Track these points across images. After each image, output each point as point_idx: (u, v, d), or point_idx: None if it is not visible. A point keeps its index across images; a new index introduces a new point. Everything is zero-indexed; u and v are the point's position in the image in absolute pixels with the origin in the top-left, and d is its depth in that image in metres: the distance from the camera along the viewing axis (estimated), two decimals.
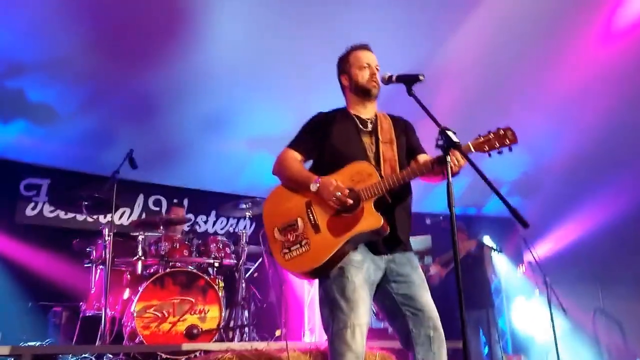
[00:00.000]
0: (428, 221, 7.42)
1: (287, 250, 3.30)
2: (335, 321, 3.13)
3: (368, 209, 3.21)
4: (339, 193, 3.19)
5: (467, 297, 2.75)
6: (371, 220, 3.19)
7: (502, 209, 9.56)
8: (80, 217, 7.96)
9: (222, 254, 6.34)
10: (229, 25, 6.90)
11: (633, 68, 8.20)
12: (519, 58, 7.92)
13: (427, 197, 8.28)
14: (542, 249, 10.09)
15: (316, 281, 3.37)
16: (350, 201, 3.19)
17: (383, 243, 3.30)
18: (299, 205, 3.36)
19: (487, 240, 8.24)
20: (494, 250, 7.99)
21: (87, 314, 6.07)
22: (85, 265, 6.31)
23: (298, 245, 3.27)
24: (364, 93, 3.55)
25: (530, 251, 8.05)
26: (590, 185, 10.06)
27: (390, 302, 3.32)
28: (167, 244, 6.06)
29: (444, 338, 3.22)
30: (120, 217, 8.24)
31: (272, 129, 6.96)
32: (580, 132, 9.29)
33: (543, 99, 8.51)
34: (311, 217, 3.30)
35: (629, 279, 10.30)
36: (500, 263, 8.75)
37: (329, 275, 3.23)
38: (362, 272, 3.22)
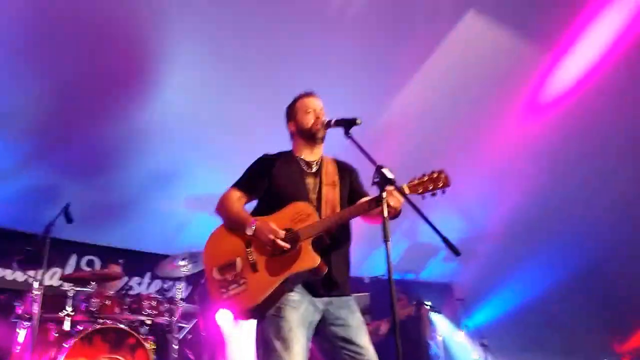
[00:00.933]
0: (367, 280, 7.43)
1: (224, 290, 3.31)
2: None
3: (306, 249, 3.23)
4: (273, 237, 3.23)
5: None
6: (308, 260, 3.20)
7: (439, 275, 9.73)
8: (9, 276, 7.63)
9: (156, 312, 6.15)
10: (172, 87, 6.93)
11: (558, 140, 8.54)
12: (450, 129, 8.15)
13: (365, 261, 8.32)
14: (481, 315, 10.18)
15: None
16: (287, 246, 3.22)
17: (321, 285, 3.31)
18: (238, 245, 3.39)
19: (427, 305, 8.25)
20: (432, 309, 8.02)
21: None
22: (12, 320, 6.03)
23: (236, 285, 3.29)
24: (310, 137, 3.65)
25: (468, 314, 8.12)
26: (525, 252, 10.29)
27: (328, 344, 3.32)
28: (98, 300, 5.85)
29: None
30: (52, 277, 7.95)
31: (211, 190, 6.94)
32: (513, 200, 9.55)
33: (476, 168, 8.71)
34: (249, 257, 3.32)
35: (564, 347, 10.46)
36: (439, 325, 8.76)
37: (266, 315, 3.23)
38: (299, 312, 3.22)
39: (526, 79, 7.97)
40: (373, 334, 7.06)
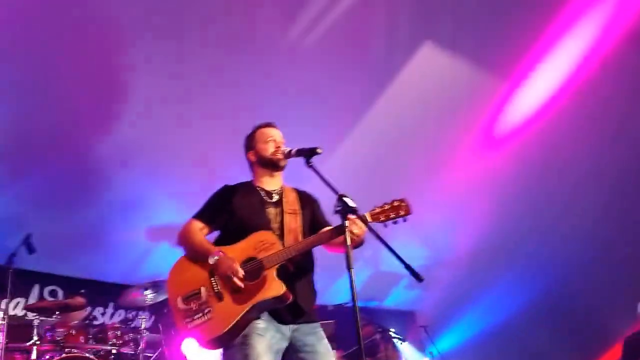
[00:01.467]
0: (331, 307, 7.45)
1: (189, 319, 3.30)
2: None
3: (270, 277, 3.27)
4: (231, 274, 3.26)
5: None
6: (273, 288, 3.24)
7: (403, 302, 9.73)
8: None
9: (121, 342, 6.14)
10: (132, 117, 6.93)
11: (517, 169, 8.71)
12: (410, 158, 8.26)
13: (329, 289, 8.35)
14: (446, 341, 10.25)
15: None
16: (241, 285, 3.25)
17: (287, 312, 3.35)
18: (202, 274, 3.39)
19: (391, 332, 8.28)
20: (398, 339, 8.07)
21: None
22: None
23: (201, 314, 3.29)
24: (271, 165, 3.70)
25: (432, 341, 8.19)
26: (488, 278, 10.40)
27: None
28: (63, 329, 5.83)
29: None
30: (15, 307, 7.85)
31: (171, 220, 6.97)
32: (474, 228, 9.68)
33: (437, 196, 8.81)
34: (214, 286, 3.33)
35: None
36: (404, 352, 8.79)
37: (233, 343, 3.24)
38: (266, 340, 3.24)
39: (482, 110, 8.14)
40: None
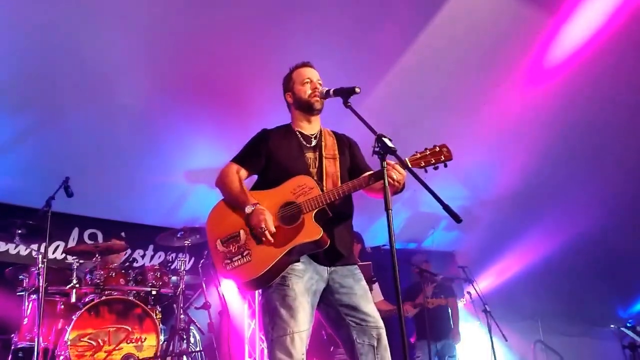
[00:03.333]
0: (369, 250, 7.44)
1: (229, 261, 3.35)
2: (275, 329, 3.18)
3: (308, 221, 3.27)
4: (263, 228, 3.25)
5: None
6: (311, 232, 3.25)
7: (441, 243, 9.60)
8: (13, 250, 7.71)
9: (160, 283, 6.23)
10: (170, 60, 6.87)
11: (562, 105, 8.46)
12: (451, 94, 8.08)
13: (367, 231, 8.32)
14: (483, 283, 10.22)
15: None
16: (270, 240, 3.25)
17: (325, 256, 3.36)
18: (241, 217, 3.41)
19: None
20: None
21: (19, 346, 5.85)
22: (18, 293, 6.10)
23: (240, 256, 3.32)
24: (307, 107, 3.64)
25: (471, 282, 8.14)
26: (527, 219, 10.29)
27: (334, 312, 3.38)
28: (102, 272, 5.92)
29: (388, 348, 3.27)
30: (55, 250, 8.01)
31: (210, 163, 6.94)
32: (515, 168, 9.51)
33: (478, 134, 8.66)
34: None
35: (567, 313, 10.54)
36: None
37: (271, 285, 3.27)
38: (303, 281, 3.27)
39: (529, 44, 7.83)
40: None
